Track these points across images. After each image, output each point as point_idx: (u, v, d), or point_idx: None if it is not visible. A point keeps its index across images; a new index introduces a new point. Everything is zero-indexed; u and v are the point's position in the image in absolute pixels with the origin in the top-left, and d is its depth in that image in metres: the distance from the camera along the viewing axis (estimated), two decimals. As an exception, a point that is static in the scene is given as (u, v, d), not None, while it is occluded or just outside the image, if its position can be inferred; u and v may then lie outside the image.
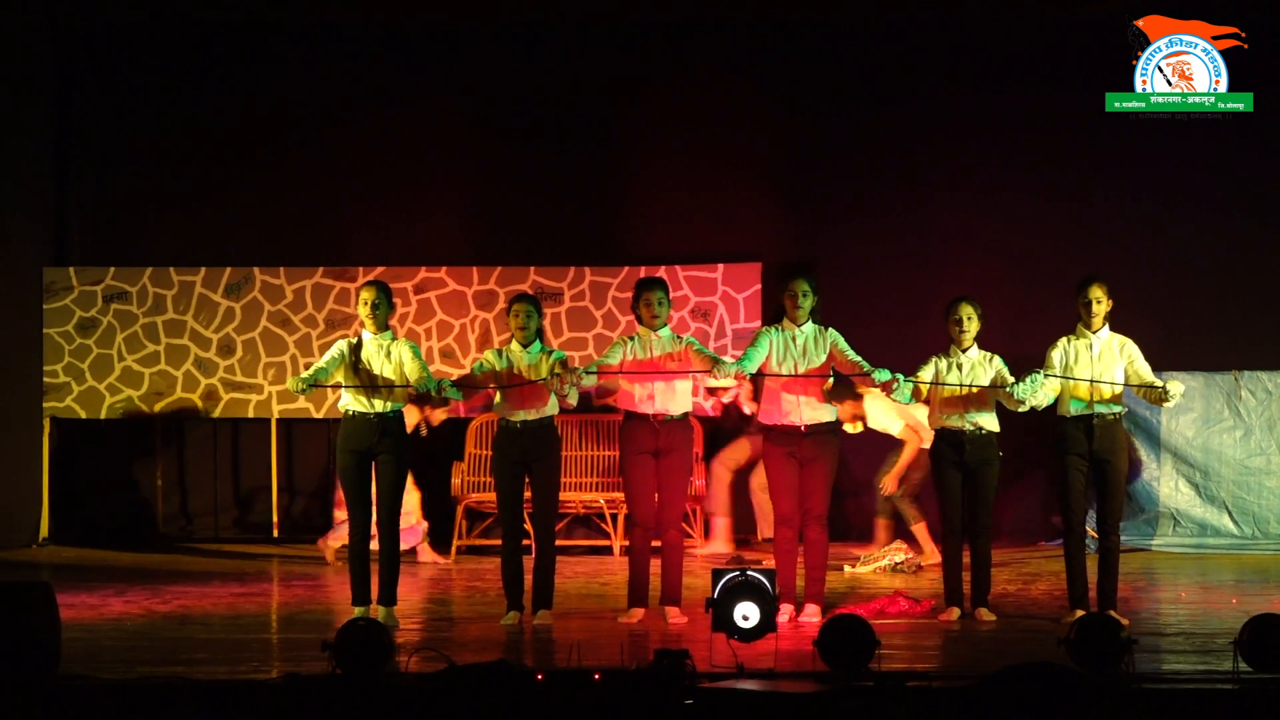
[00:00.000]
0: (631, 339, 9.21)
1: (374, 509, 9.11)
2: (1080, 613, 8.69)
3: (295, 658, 7.88)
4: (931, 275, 12.98)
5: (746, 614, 7.78)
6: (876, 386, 8.88)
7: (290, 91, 13.68)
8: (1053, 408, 9.17)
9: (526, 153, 13.59)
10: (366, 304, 9.08)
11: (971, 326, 9.26)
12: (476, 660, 7.27)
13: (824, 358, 9.12)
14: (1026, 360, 9.15)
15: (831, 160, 13.44)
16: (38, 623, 7.32)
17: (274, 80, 13.68)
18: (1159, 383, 8.97)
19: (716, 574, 7.93)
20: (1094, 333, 9.10)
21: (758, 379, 9.67)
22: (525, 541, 9.51)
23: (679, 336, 9.24)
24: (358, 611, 9.01)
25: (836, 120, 13.41)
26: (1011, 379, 9.09)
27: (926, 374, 9.22)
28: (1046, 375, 8.98)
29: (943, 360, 9.27)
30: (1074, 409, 9.04)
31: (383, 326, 9.12)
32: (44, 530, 13.44)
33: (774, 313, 9.41)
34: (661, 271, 13.00)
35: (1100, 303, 9.11)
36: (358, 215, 13.63)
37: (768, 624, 7.78)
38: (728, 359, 9.15)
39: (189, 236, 13.68)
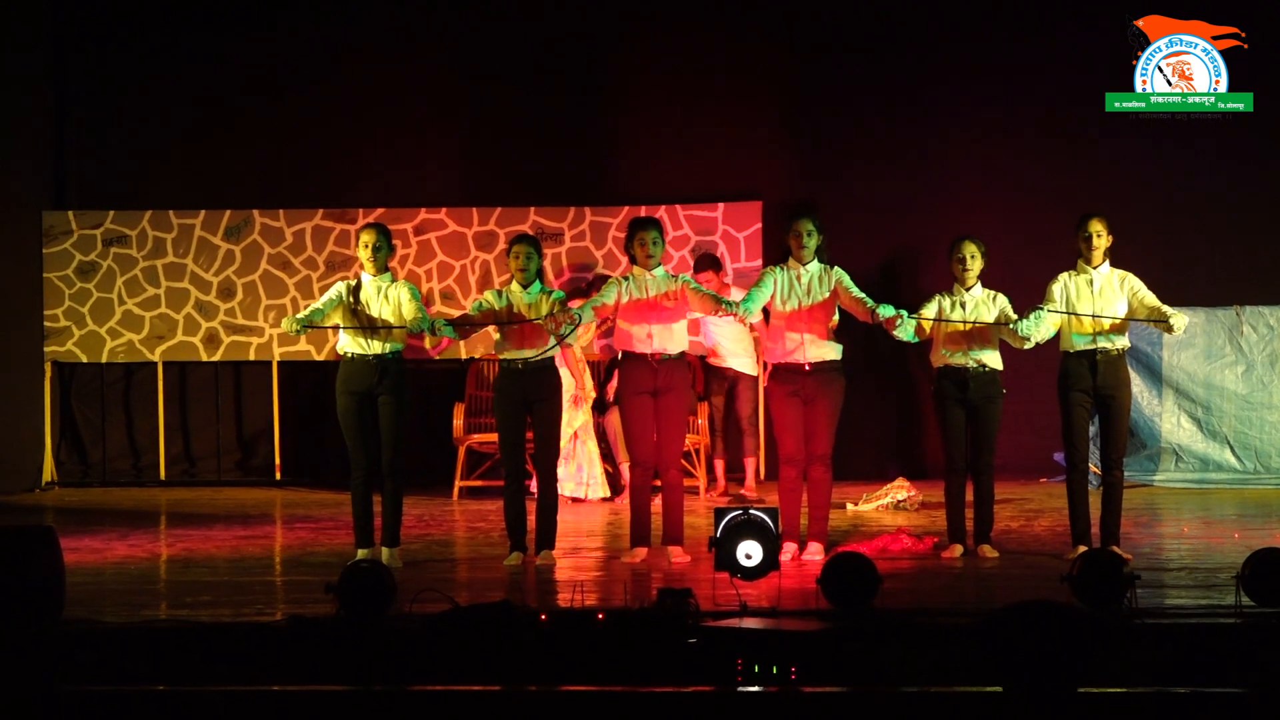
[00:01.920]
0: (626, 279, 9.16)
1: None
2: (1083, 549, 8.67)
3: (299, 600, 7.89)
4: (934, 215, 12.93)
5: (749, 553, 7.77)
6: (881, 322, 8.84)
7: (290, 33, 13.59)
8: (1055, 344, 9.13)
9: (526, 93, 13.51)
10: (367, 247, 9.04)
11: (975, 265, 9.21)
12: (480, 601, 7.26)
13: (828, 295, 9.08)
14: (1029, 301, 9.09)
15: (832, 98, 13.36)
16: (41, 567, 7.32)
17: (273, 23, 13.59)
18: (1167, 310, 8.92)
19: (719, 513, 7.92)
20: (1094, 268, 9.05)
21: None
22: (527, 482, 9.50)
23: (674, 275, 9.19)
24: (361, 553, 9.01)
25: (837, 57, 13.32)
26: (1015, 316, 9.04)
27: (929, 312, 9.18)
28: (1049, 310, 8.94)
29: (946, 298, 9.22)
30: (1077, 344, 9.00)
31: (382, 269, 9.08)
32: (47, 474, 13.46)
33: (779, 253, 9.37)
34: (661, 211, 12.95)
35: (1100, 237, 9.06)
36: (357, 157, 13.57)
37: (771, 563, 7.77)
38: (731, 299, 9.07)
39: (188, 179, 13.63)
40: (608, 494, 12.01)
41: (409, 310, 8.99)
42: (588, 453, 11.91)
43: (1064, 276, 9.12)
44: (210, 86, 13.60)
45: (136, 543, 10.17)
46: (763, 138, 13.39)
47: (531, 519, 9.25)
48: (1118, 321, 8.99)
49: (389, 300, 9.03)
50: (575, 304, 11.72)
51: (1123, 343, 9.04)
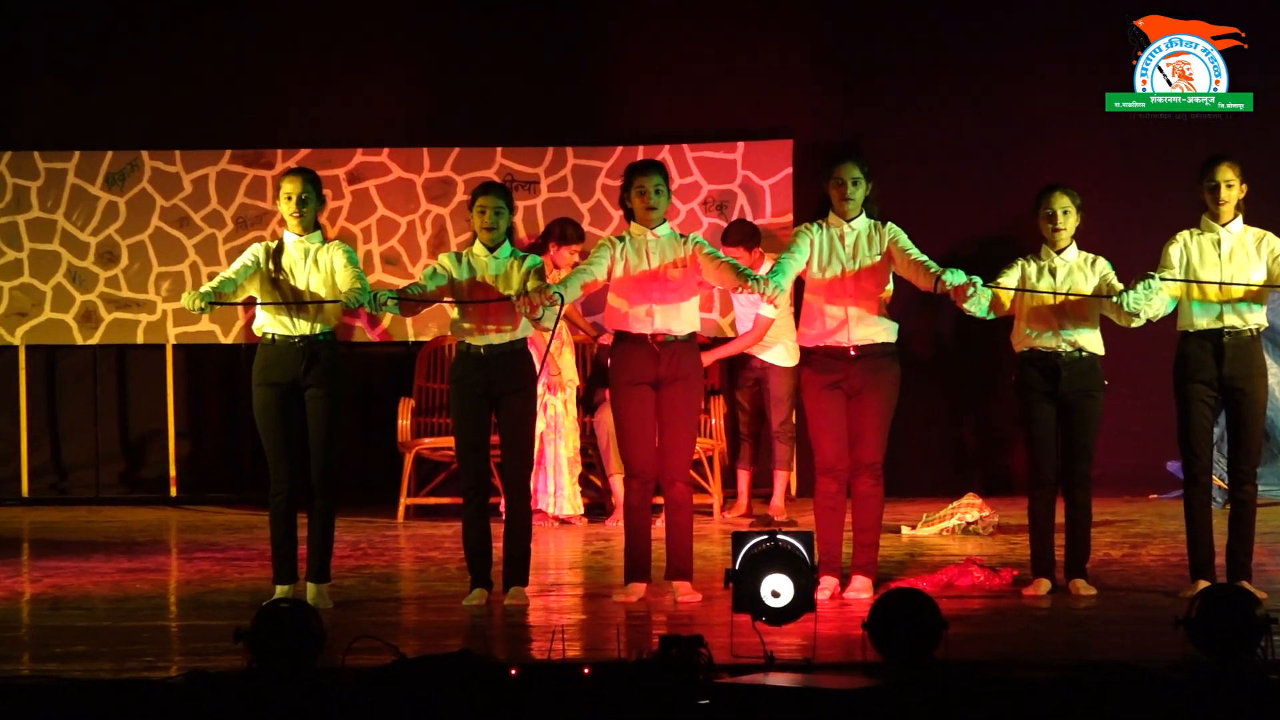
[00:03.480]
0: (621, 240, 9.16)
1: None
2: (1204, 584, 8.69)
3: (200, 651, 7.89)
4: (1013, 159, 12.97)
5: (777, 589, 7.78)
6: (949, 292, 8.83)
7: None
8: (1171, 322, 9.13)
9: (492, 3, 13.48)
10: (290, 199, 9.04)
11: (1068, 222, 9.21)
12: (432, 651, 7.26)
13: (879, 259, 9.08)
14: (1138, 268, 9.09)
15: (882, 11, 13.36)
16: None
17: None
18: None
19: (738, 538, 7.92)
20: (1223, 225, 9.05)
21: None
22: (493, 500, 9.50)
23: (683, 236, 9.17)
24: (280, 591, 9.02)
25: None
26: (1120, 286, 9.04)
27: (1010, 280, 9.16)
28: (1164, 279, 8.94)
29: (1031, 264, 9.22)
30: (1199, 321, 9.00)
31: (310, 227, 9.08)
32: (-123, 490, 13.48)
33: (816, 206, 9.37)
34: (665, 152, 12.95)
35: (1231, 187, 9.07)
36: (275, 84, 13.55)
37: (804, 602, 7.77)
38: (761, 271, 9.04)
39: (58, 112, 13.61)
40: (579, 512, 12.00)
41: (344, 279, 8.98)
42: (554, 458, 11.88)
43: (1184, 236, 9.12)
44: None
45: (-8, 577, 10.18)
46: (795, 60, 13.39)
47: (498, 546, 9.24)
48: (1253, 291, 8.98)
49: (318, 267, 9.03)
50: (561, 258, 11.83)
51: (1258, 320, 9.04)
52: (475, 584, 9.19)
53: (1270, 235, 9.09)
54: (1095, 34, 12.67)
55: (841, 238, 9.14)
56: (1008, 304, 9.19)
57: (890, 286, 9.15)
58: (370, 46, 13.53)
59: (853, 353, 9.09)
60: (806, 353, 9.24)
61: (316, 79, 13.55)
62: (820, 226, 9.20)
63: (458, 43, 13.52)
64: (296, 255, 9.05)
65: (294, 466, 9.08)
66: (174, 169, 13.36)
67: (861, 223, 9.16)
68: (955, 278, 8.82)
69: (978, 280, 8.85)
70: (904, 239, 9.12)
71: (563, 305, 8.91)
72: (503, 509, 9.37)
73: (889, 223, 9.18)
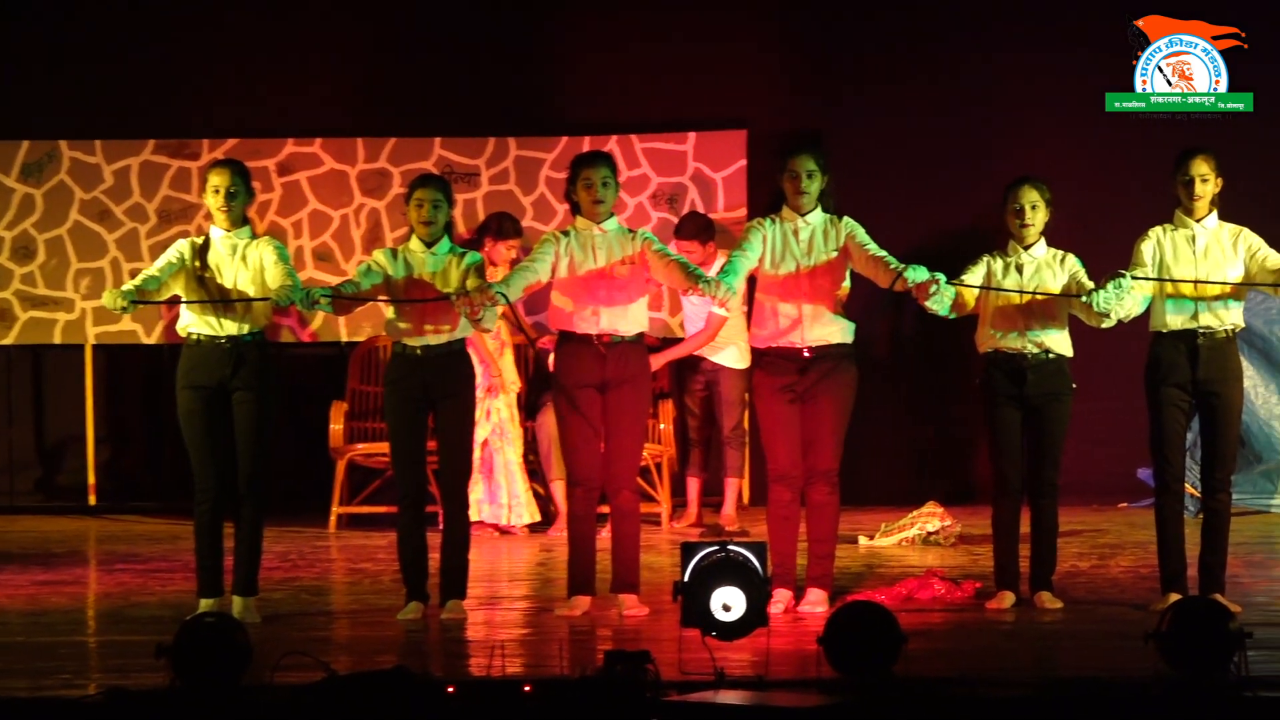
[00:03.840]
0: (566, 235, 9.14)
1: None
2: (1175, 597, 8.71)
3: (120, 668, 7.86)
4: (981, 153, 13.00)
5: (728, 602, 7.77)
6: (910, 289, 8.84)
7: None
8: (1142, 323, 9.15)
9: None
10: (218, 191, 9.02)
11: (1037, 217, 9.23)
12: (365, 668, 7.24)
13: (835, 255, 9.09)
14: (1110, 265, 9.12)
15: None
16: None
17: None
18: None
19: (688, 549, 7.91)
20: (1198, 221, 9.09)
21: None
22: (430, 509, 9.49)
23: (631, 231, 9.17)
24: (205, 604, 8.99)
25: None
26: (1090, 284, 9.07)
27: (975, 277, 9.18)
28: (1135, 277, 8.96)
29: (998, 260, 9.24)
30: (1172, 322, 9.03)
31: (238, 221, 9.06)
32: None
33: (770, 199, 9.37)
34: (612, 143, 12.95)
35: (1206, 181, 9.09)
36: (201, 70, 13.51)
37: (756, 616, 7.78)
38: (713, 272, 9.04)
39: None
40: (536, 519, 12.00)
41: (274, 276, 8.96)
42: (504, 465, 11.88)
43: (1156, 232, 9.14)
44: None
45: (-101, 590, 10.13)
46: (751, 46, 13.41)
47: (435, 558, 9.23)
48: (1228, 290, 9.01)
49: (247, 263, 9.01)
50: (498, 254, 11.81)
51: (1234, 320, 9.07)
52: (411, 597, 9.17)
53: (1247, 231, 9.12)
54: (1095, 34, 12.80)
55: (795, 233, 9.15)
56: (971, 303, 9.20)
57: (847, 284, 9.16)
58: (303, 30, 13.51)
59: (807, 354, 9.10)
60: (758, 354, 9.25)
61: (246, 64, 13.52)
62: (773, 221, 9.20)
63: (395, 27, 13.50)
64: (224, 251, 9.02)
65: (220, 474, 9.05)
66: (94, 160, 13.31)
67: (817, 217, 9.16)
68: (917, 274, 8.81)
69: (940, 277, 8.85)
70: (861, 234, 9.13)
71: (505, 304, 8.89)
72: (440, 519, 9.36)
73: (845, 217, 9.18)
